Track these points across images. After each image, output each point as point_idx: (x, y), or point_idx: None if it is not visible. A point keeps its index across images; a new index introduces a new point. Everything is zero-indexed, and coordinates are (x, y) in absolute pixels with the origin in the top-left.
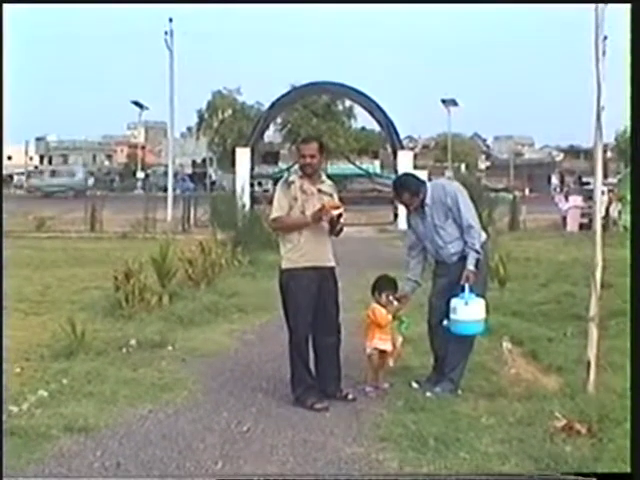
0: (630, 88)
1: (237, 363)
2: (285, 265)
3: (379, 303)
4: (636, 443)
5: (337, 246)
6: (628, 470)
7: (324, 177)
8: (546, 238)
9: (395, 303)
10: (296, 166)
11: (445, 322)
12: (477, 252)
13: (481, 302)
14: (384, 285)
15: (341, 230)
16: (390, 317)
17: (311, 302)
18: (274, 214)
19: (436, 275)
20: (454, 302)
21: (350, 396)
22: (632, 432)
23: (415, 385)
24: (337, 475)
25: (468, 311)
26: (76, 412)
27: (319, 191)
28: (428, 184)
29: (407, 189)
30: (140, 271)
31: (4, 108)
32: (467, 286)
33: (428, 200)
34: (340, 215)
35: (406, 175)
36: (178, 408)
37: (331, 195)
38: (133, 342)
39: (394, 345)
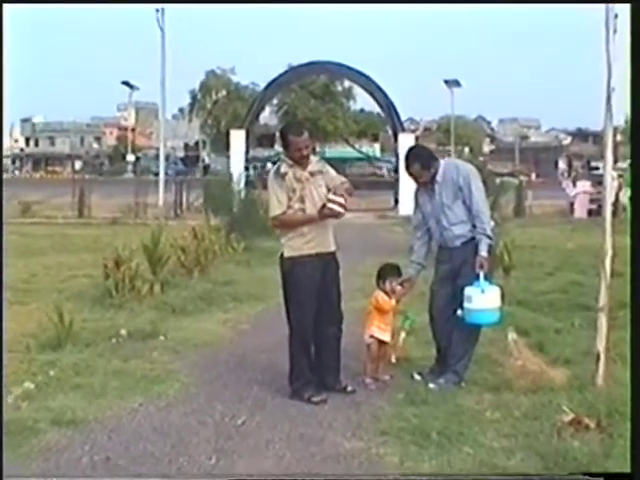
0: (630, 88)
1: (231, 354)
2: (288, 253)
3: (383, 291)
4: (636, 443)
5: (336, 233)
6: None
7: (310, 156)
8: (553, 225)
9: (399, 288)
10: (280, 152)
11: (459, 312)
12: (489, 237)
13: (496, 290)
14: (388, 272)
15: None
16: (394, 302)
17: (315, 290)
18: (275, 211)
19: (438, 262)
20: (469, 290)
21: (349, 388)
22: (632, 432)
23: (417, 377)
24: (338, 475)
25: (485, 299)
26: (64, 405)
27: (311, 174)
28: (442, 161)
29: (419, 160)
30: (130, 258)
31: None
32: (482, 273)
33: (439, 177)
34: (344, 206)
35: (419, 147)
36: (170, 401)
37: (321, 172)
38: (123, 332)
39: (394, 339)
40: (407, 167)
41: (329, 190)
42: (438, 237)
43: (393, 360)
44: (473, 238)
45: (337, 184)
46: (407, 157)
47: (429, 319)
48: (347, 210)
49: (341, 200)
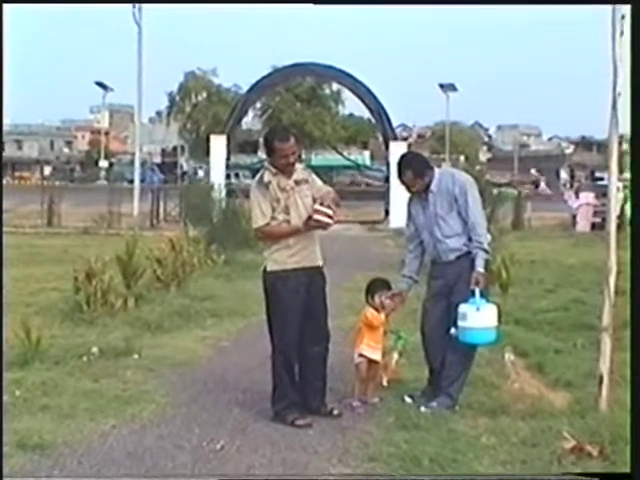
0: (630, 88)
1: (210, 373)
2: (272, 267)
3: (372, 307)
4: (636, 443)
5: (322, 246)
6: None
7: (296, 164)
8: (554, 239)
9: (388, 302)
10: (264, 159)
11: (453, 330)
12: (486, 251)
13: (493, 308)
14: (377, 286)
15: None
16: (383, 317)
17: (300, 307)
18: (258, 222)
19: (431, 277)
20: (463, 308)
21: (335, 411)
22: (632, 432)
23: (408, 400)
24: (337, 475)
25: (480, 318)
26: (30, 427)
27: (296, 183)
28: (437, 170)
29: (411, 168)
30: (103, 271)
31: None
32: (477, 290)
33: (434, 187)
34: (331, 217)
35: (413, 153)
36: (144, 423)
37: (307, 181)
38: (95, 350)
39: (385, 359)
40: (399, 175)
41: (314, 201)
42: (431, 250)
43: (385, 383)
44: (469, 252)
45: (324, 194)
46: (399, 164)
47: (421, 338)
48: (334, 221)
49: (328, 211)
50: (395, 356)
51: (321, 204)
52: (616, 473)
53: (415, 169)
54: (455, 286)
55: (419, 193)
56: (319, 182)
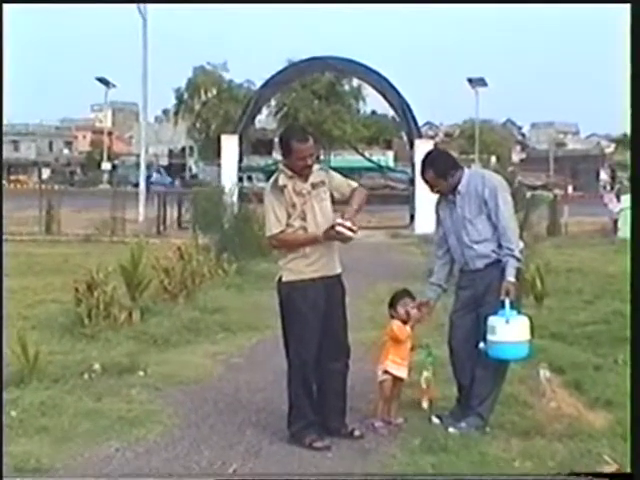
0: (630, 88)
1: (221, 392)
2: (288, 277)
3: (398, 319)
4: (636, 443)
5: (341, 253)
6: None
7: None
8: (592, 245)
9: (415, 312)
10: (279, 161)
11: (481, 345)
12: (517, 259)
13: (524, 320)
14: (401, 297)
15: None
16: (409, 330)
17: (319, 320)
18: (273, 230)
19: (459, 287)
20: (492, 320)
21: (357, 433)
22: (632, 432)
23: (435, 420)
24: (338, 475)
25: (510, 331)
26: (28, 450)
27: (313, 186)
28: (466, 171)
29: (434, 166)
30: (106, 282)
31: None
32: (507, 301)
33: (462, 188)
34: (354, 230)
35: (439, 151)
36: (150, 446)
37: (324, 182)
38: (97, 366)
39: (426, 382)
40: (422, 173)
41: (334, 202)
42: (459, 257)
43: (425, 405)
44: (499, 260)
45: (347, 211)
46: (423, 161)
47: (449, 353)
48: (356, 234)
49: (350, 225)
50: (425, 374)
51: (342, 216)
52: (616, 473)
53: (438, 168)
54: (484, 297)
55: (446, 195)
56: (338, 178)
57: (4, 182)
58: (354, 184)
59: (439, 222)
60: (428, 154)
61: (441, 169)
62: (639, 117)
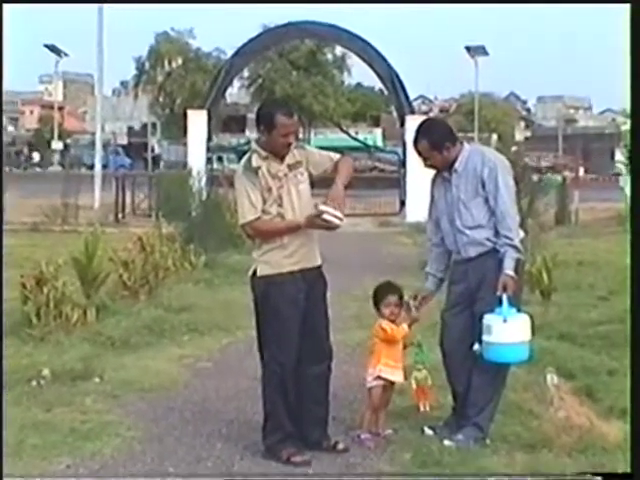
0: (630, 88)
1: (188, 401)
2: (263, 271)
3: (386, 317)
4: (636, 443)
5: (323, 244)
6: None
7: None
8: (607, 235)
9: (412, 305)
10: (252, 140)
11: (476, 346)
12: (517, 249)
13: (524, 318)
14: (384, 294)
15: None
16: (406, 328)
17: (298, 319)
18: (247, 217)
19: (451, 282)
20: (488, 319)
21: (340, 446)
22: (632, 432)
23: (429, 432)
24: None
25: (508, 331)
26: None
27: (289, 168)
28: (466, 146)
29: (428, 136)
30: (57, 276)
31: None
32: (505, 297)
33: (458, 165)
34: (340, 218)
35: (436, 120)
36: (107, 461)
37: (300, 163)
38: (46, 372)
39: (422, 387)
40: (414, 142)
41: (313, 185)
42: (451, 243)
43: (427, 408)
44: (495, 250)
45: (332, 193)
46: (417, 130)
47: (442, 356)
48: (342, 221)
49: (336, 212)
50: (418, 374)
51: (326, 200)
52: (617, 473)
53: (433, 138)
54: (478, 291)
55: (442, 172)
56: (317, 153)
57: None
58: (336, 156)
59: (432, 203)
60: (423, 122)
61: (436, 140)
62: (639, 117)
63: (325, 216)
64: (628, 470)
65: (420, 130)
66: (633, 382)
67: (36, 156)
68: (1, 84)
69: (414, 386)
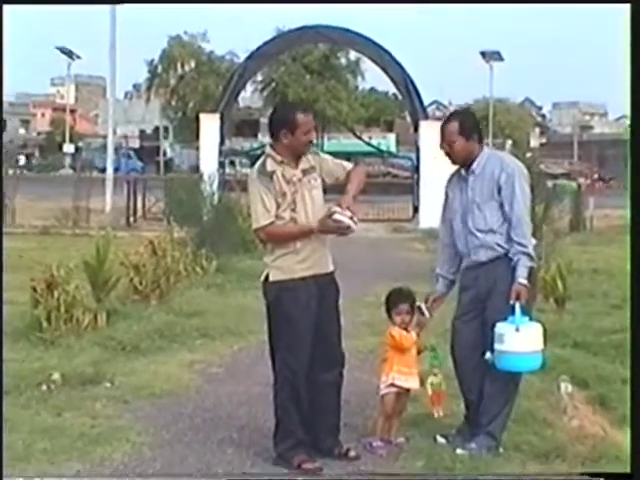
0: (630, 88)
1: (199, 406)
2: (275, 276)
3: (397, 325)
4: (636, 443)
5: (336, 250)
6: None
7: None
8: (621, 242)
9: (424, 308)
10: (266, 144)
11: (488, 355)
12: (530, 257)
13: (537, 327)
14: (395, 302)
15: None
16: (414, 336)
17: (310, 325)
18: (261, 221)
19: (462, 289)
20: (501, 327)
21: (352, 453)
22: (632, 432)
23: (441, 440)
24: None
25: (521, 340)
26: None
27: (303, 173)
28: (485, 149)
29: (461, 119)
30: (68, 280)
31: None
32: (518, 306)
33: (477, 168)
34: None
35: (469, 110)
36: (117, 467)
37: (314, 168)
38: (56, 376)
39: (438, 392)
40: (444, 123)
41: (325, 191)
42: (462, 246)
43: (440, 414)
44: (506, 256)
45: (343, 200)
46: (451, 114)
47: (453, 365)
48: (357, 224)
49: (347, 213)
50: (433, 379)
51: (340, 206)
52: (617, 473)
53: (465, 123)
54: (488, 299)
55: (459, 172)
56: (330, 160)
57: None
58: (349, 165)
59: (447, 203)
60: (459, 109)
61: (468, 125)
62: (639, 117)
63: (336, 216)
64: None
65: (455, 112)
66: (633, 382)
67: (70, 148)
68: (1, 84)
69: (429, 392)
